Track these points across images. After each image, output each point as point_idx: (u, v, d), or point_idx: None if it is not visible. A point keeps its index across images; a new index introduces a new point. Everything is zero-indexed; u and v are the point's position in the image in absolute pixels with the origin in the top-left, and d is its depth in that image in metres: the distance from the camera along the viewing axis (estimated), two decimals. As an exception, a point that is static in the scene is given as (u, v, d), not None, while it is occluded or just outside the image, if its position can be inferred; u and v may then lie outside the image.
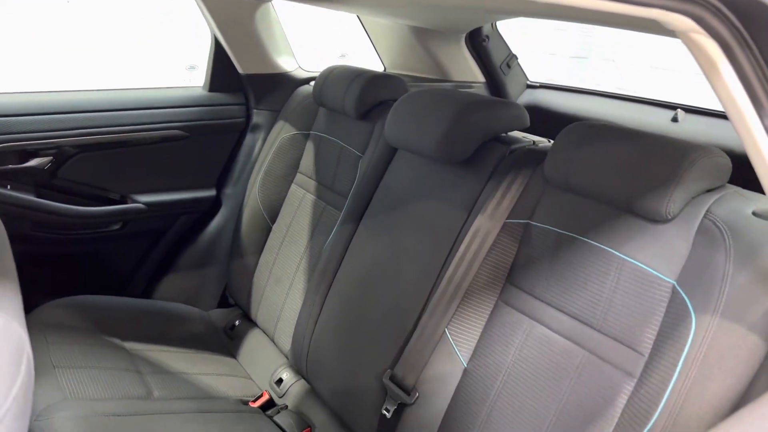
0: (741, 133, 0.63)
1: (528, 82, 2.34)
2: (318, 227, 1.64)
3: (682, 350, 0.88)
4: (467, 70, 2.21)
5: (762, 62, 0.56)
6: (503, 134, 1.35)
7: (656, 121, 1.92)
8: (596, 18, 1.10)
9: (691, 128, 1.84)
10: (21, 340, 0.47)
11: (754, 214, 0.91)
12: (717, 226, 0.92)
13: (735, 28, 0.55)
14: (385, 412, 1.23)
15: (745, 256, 0.87)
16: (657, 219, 0.97)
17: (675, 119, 1.85)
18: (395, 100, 1.56)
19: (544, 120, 2.13)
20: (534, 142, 1.33)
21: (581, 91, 2.21)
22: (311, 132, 1.77)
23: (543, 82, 2.33)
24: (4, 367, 0.44)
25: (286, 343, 1.60)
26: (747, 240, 0.88)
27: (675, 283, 0.93)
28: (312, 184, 1.72)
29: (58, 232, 1.81)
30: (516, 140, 1.32)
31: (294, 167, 1.80)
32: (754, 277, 0.85)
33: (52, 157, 1.73)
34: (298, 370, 1.56)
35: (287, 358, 1.61)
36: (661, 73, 6.16)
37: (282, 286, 1.67)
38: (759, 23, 0.55)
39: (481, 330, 1.16)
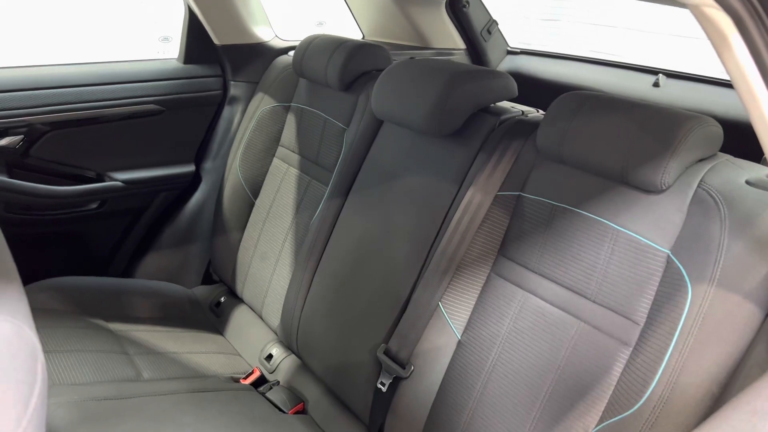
0: (748, 105, 0.63)
1: (508, 48, 2.31)
2: (303, 202, 1.61)
3: (679, 319, 0.89)
4: (448, 37, 2.18)
5: (775, 35, 0.55)
6: (492, 105, 1.34)
7: (638, 86, 1.92)
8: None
9: (672, 93, 1.85)
10: (34, 345, 0.45)
11: (747, 182, 0.92)
12: (711, 196, 0.93)
13: (749, 2, 0.54)
14: (380, 386, 1.23)
15: (740, 225, 0.88)
16: (651, 190, 0.97)
17: (656, 84, 1.85)
18: (379, 71, 1.52)
19: (526, 86, 2.11)
20: (523, 112, 1.31)
21: (562, 57, 2.20)
22: (292, 104, 1.73)
23: (523, 48, 2.30)
24: (21, 377, 0.42)
25: (275, 318, 1.59)
26: (742, 209, 0.89)
27: (670, 252, 0.94)
28: (295, 157, 1.68)
29: (34, 213, 1.76)
30: (505, 111, 1.31)
31: (275, 140, 1.76)
32: (750, 246, 0.86)
33: (23, 136, 1.66)
34: (288, 346, 1.55)
35: (276, 334, 1.60)
36: (636, 35, 6.16)
37: (268, 262, 1.65)
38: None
39: (474, 302, 1.16)
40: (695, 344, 0.87)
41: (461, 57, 2.23)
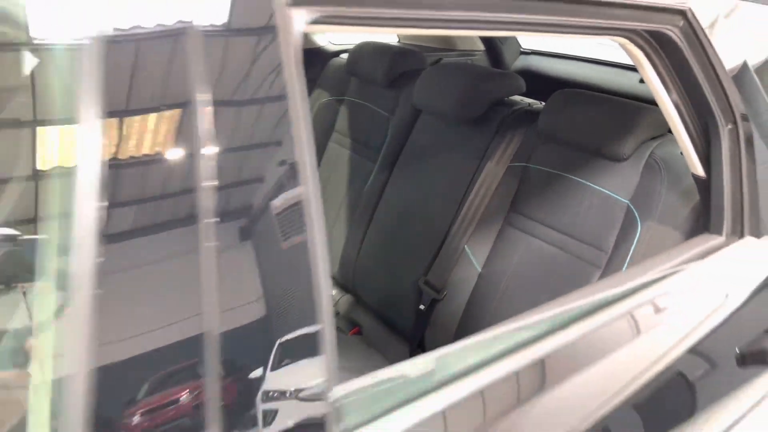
0: (659, 103, 1.04)
1: (521, 49, 2.72)
2: (355, 176, 2.04)
3: (631, 245, 1.31)
4: (470, 41, 2.59)
5: (668, 63, 0.97)
6: (505, 98, 1.76)
7: (627, 82, 2.33)
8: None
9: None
10: None
11: (680, 153, 1.33)
12: (657, 163, 1.34)
13: (651, 45, 0.95)
14: (421, 307, 1.66)
15: (673, 183, 1.29)
16: (617, 159, 1.38)
17: (641, 81, 2.25)
18: (416, 70, 1.95)
19: (537, 81, 2.53)
20: (529, 104, 1.73)
21: (566, 57, 2.60)
22: (345, 98, 2.16)
23: (534, 49, 2.71)
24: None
25: (333, 267, 2.02)
26: (675, 171, 1.30)
27: (629, 202, 1.36)
28: (348, 141, 2.11)
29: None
30: (516, 103, 1.73)
31: (331, 128, 2.19)
32: (679, 196, 1.28)
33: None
34: (344, 286, 1.99)
35: (334, 279, 2.04)
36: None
37: (327, 223, 2.08)
38: (662, 43, 0.95)
39: (491, 245, 1.59)
40: (641, 261, 1.28)
41: (481, 57, 2.64)
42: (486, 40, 2.62)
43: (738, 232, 1.15)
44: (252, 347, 0.61)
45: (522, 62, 2.68)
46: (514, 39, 2.68)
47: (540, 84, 2.11)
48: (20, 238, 0.71)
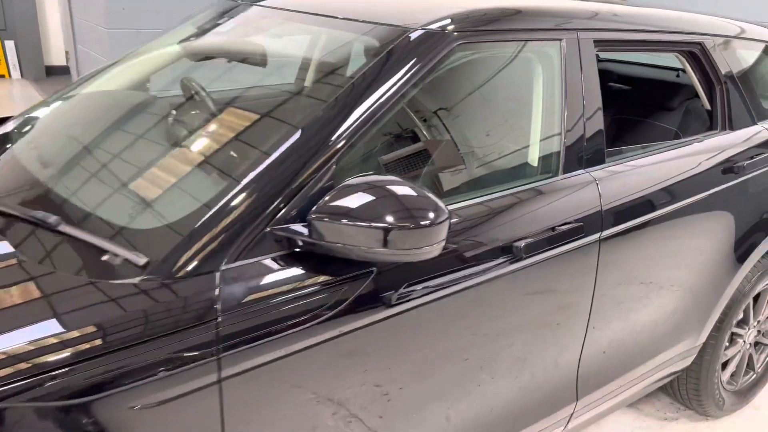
0: (692, 82, 2.62)
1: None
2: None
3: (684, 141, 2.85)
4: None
5: (696, 64, 2.53)
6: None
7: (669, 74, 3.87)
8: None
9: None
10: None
11: (701, 105, 2.88)
12: (690, 110, 2.88)
13: (687, 55, 2.51)
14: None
15: (697, 117, 2.84)
16: (671, 109, 2.93)
17: (678, 75, 3.79)
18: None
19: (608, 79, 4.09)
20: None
21: (625, 62, 4.14)
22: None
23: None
24: None
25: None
26: (697, 112, 2.85)
27: (676, 129, 2.90)
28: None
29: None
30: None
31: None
32: (700, 124, 2.82)
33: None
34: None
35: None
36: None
37: None
38: (693, 54, 2.51)
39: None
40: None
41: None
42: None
43: (726, 130, 2.67)
44: None
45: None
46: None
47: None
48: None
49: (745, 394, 3.12)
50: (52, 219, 1.53)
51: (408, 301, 1.62)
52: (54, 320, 1.29)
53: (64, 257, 1.46)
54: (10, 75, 10.47)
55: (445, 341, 1.74)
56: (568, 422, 2.28)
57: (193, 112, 2.11)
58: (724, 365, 2.97)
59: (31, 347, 1.24)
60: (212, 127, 1.95)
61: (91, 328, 1.29)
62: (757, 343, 3.09)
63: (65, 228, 1.52)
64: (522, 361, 1.96)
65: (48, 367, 1.22)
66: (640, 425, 3.00)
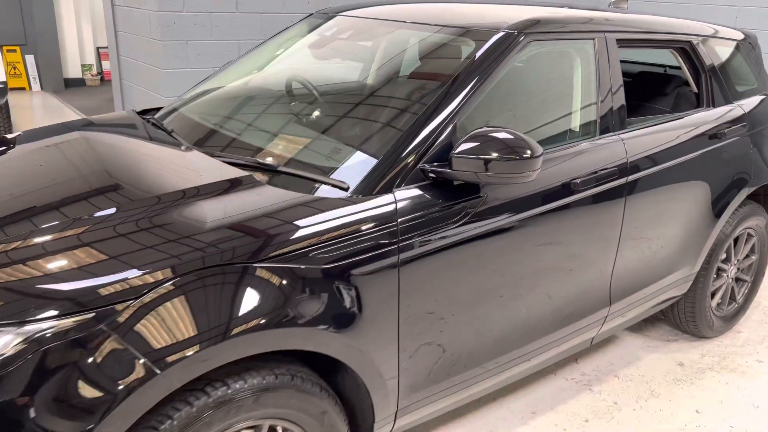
0: (683, 70, 3.45)
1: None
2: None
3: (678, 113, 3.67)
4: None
5: (686, 58, 3.35)
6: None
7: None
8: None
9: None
10: None
11: (690, 90, 3.69)
12: (681, 94, 3.71)
13: (680, 51, 3.32)
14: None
15: (685, 97, 3.67)
16: (665, 94, 3.75)
17: (671, 67, 4.63)
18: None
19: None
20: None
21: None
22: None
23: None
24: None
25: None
26: (686, 96, 3.67)
27: (670, 109, 3.72)
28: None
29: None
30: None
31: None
32: (689, 104, 3.64)
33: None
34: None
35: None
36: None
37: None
38: (684, 50, 3.33)
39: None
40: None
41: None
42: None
43: (710, 107, 3.48)
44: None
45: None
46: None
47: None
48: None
49: (730, 320, 3.93)
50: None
51: (511, 217, 2.40)
52: (306, 219, 2.04)
53: (303, 186, 2.22)
54: (30, 88, 11.04)
55: (536, 254, 2.54)
56: (603, 324, 3.06)
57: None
58: (713, 295, 3.77)
59: (300, 234, 1.98)
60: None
61: (326, 225, 2.04)
62: (737, 279, 3.91)
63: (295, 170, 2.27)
64: (583, 267, 2.75)
65: (308, 246, 1.97)
66: (648, 344, 3.80)
